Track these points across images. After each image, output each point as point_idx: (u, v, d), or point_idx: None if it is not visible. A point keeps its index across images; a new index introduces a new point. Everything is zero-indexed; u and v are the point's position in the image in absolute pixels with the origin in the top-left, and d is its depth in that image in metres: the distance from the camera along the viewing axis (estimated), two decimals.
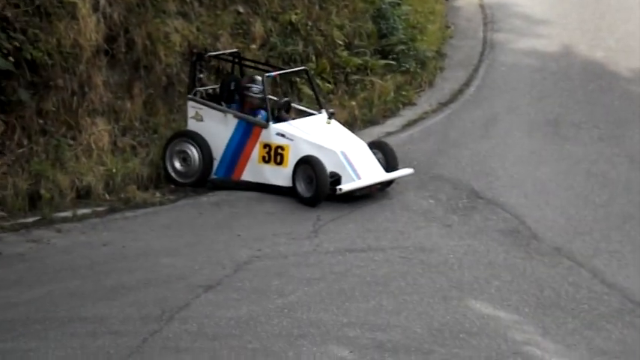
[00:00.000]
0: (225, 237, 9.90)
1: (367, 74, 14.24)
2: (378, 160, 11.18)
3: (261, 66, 12.08)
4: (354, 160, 10.97)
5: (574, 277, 9.29)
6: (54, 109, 10.87)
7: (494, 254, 9.72)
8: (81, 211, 10.35)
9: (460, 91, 14.55)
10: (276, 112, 11.38)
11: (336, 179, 10.81)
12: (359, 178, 10.87)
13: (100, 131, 11.09)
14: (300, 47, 13.54)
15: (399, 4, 15.61)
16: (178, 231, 10.08)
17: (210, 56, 11.96)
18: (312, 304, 8.48)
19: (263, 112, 11.26)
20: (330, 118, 11.47)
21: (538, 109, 13.69)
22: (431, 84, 14.85)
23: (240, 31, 13.00)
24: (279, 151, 11.03)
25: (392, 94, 14.07)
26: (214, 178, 11.37)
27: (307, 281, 8.90)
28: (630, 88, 14.37)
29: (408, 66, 14.73)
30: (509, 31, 16.32)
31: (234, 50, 12.25)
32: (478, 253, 9.74)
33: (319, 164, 10.71)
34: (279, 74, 12.27)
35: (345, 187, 10.77)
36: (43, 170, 10.45)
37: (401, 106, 14.06)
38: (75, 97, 11.00)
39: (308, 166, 10.77)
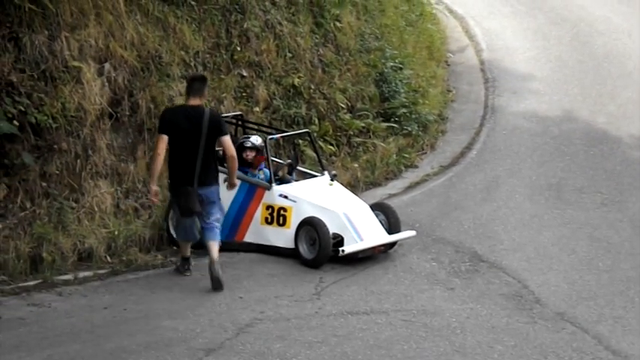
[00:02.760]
0: (227, 299, 9.85)
1: (369, 137, 14.32)
2: (381, 222, 11.17)
3: (264, 128, 12.15)
4: (357, 222, 10.97)
5: (578, 343, 9.22)
6: (57, 172, 10.88)
7: (497, 318, 9.66)
8: (82, 274, 10.31)
9: (462, 154, 14.60)
10: (279, 174, 11.42)
11: (339, 241, 10.79)
12: (361, 239, 10.86)
13: (102, 194, 11.10)
14: (303, 110, 13.63)
15: (400, 69, 15.75)
16: (180, 293, 10.04)
17: None
18: None
19: (266, 170, 11.29)
20: (332, 179, 11.50)
21: (540, 174, 13.72)
22: (433, 147, 14.91)
23: (244, 94, 13.10)
24: (282, 212, 11.03)
25: (394, 156, 14.13)
26: None
27: (309, 345, 8.83)
28: (632, 153, 14.41)
29: (410, 129, 14.82)
30: (511, 95, 16.42)
31: (238, 113, 12.33)
32: (481, 317, 9.68)
33: (322, 226, 10.70)
34: (282, 136, 12.34)
35: (348, 248, 10.75)
36: (45, 233, 10.44)
37: (403, 168, 14.11)
38: (78, 160, 11.02)
39: (311, 227, 10.77)
